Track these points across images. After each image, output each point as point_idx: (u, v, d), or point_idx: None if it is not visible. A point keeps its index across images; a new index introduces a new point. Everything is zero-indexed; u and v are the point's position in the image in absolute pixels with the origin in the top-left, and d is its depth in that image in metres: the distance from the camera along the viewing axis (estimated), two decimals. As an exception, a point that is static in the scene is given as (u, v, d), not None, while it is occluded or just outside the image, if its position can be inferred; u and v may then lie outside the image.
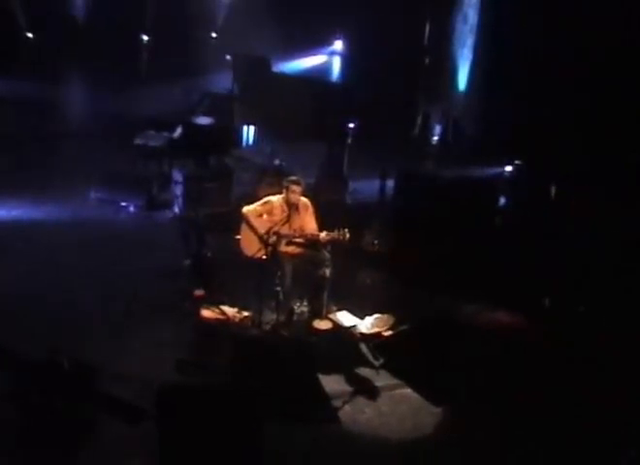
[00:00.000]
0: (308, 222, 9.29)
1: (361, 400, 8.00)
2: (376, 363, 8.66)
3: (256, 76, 15.10)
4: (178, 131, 13.80)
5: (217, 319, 9.25)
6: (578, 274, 10.53)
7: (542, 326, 9.72)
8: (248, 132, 15.37)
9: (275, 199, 9.36)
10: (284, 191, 9.26)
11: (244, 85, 15.08)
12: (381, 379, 8.40)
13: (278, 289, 9.01)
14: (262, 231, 9.05)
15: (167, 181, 13.27)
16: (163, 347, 8.61)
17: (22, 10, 22.51)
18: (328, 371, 8.34)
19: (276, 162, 13.41)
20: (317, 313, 9.39)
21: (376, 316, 9.37)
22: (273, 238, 8.95)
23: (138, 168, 13.80)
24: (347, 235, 8.87)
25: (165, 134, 13.90)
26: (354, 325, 9.36)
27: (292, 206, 9.14)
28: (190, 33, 23.04)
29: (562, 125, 13.23)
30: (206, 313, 9.29)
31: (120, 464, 6.84)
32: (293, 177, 9.42)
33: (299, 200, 9.24)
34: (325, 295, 9.34)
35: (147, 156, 13.84)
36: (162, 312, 9.39)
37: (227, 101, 15.08)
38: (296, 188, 9.20)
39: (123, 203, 12.97)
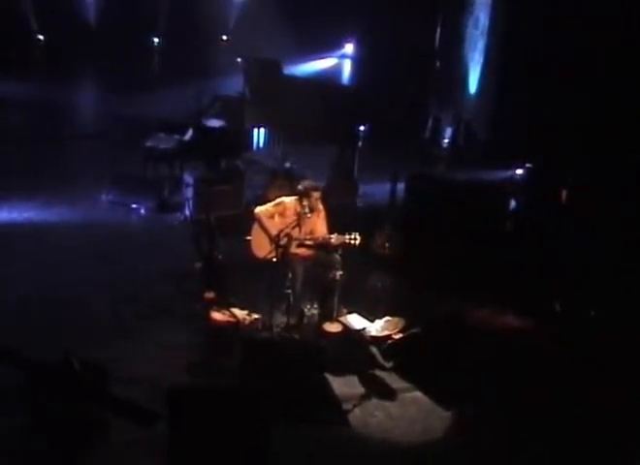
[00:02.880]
0: (320, 225, 9.29)
1: (371, 403, 7.99)
2: (386, 366, 8.66)
3: (267, 78, 15.11)
4: (189, 133, 13.80)
5: (227, 321, 9.25)
6: (588, 277, 10.51)
7: (552, 330, 9.72)
8: (259, 134, 15.37)
9: (289, 200, 9.34)
10: (305, 198, 9.17)
11: (255, 88, 15.09)
12: (391, 382, 8.39)
13: (289, 291, 9.02)
14: (273, 232, 9.06)
15: (178, 184, 13.26)
16: (173, 349, 8.62)
17: (34, 12, 22.65)
18: (338, 374, 8.35)
19: (287, 165, 13.40)
20: (327, 316, 9.39)
21: (386, 319, 9.37)
22: (285, 240, 8.96)
23: (149, 170, 13.81)
24: (358, 239, 8.87)
25: (176, 136, 13.88)
26: (364, 328, 9.35)
27: (308, 209, 9.10)
28: (201, 36, 23.16)
29: (574, 128, 13.22)
30: (216, 315, 9.30)
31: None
32: (311, 183, 9.40)
33: (318, 204, 9.26)
34: (335, 298, 9.34)
35: (158, 158, 13.84)
36: (172, 314, 9.42)
37: (238, 103, 15.09)
38: (317, 194, 9.21)
39: (134, 206, 12.98)
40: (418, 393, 8.20)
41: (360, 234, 8.89)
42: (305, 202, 9.11)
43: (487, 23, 17.12)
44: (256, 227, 9.39)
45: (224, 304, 9.41)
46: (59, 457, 6.85)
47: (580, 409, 8.09)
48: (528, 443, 7.58)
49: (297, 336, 9.08)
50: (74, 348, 7.44)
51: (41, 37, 23.15)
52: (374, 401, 8.03)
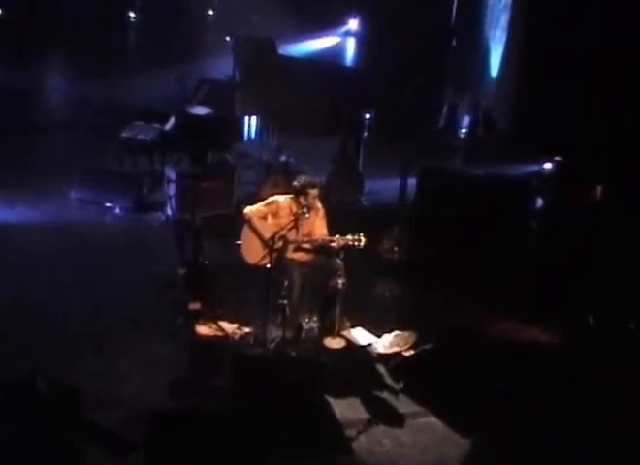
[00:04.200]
0: (319, 226, 9.34)
1: (378, 429, 8.01)
2: (396, 387, 8.69)
3: (260, 59, 15.14)
4: (171, 122, 13.84)
5: (215, 336, 9.29)
6: (626, 286, 10.50)
7: (584, 346, 9.71)
8: (251, 124, 15.40)
9: (282, 199, 9.40)
10: (301, 195, 9.26)
11: (247, 70, 15.12)
12: (401, 405, 8.41)
13: (285, 302, 9.05)
14: (267, 235, 9.09)
15: (158, 179, 13.30)
16: (153, 367, 8.65)
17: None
18: (340, 396, 8.37)
19: (283, 158, 13.44)
20: (329, 329, 9.42)
21: (396, 333, 9.40)
22: (279, 244, 8.99)
23: (125, 164, 13.84)
24: (363, 241, 8.91)
25: (156, 125, 13.94)
26: (370, 344, 9.40)
27: (306, 209, 9.14)
28: (185, 11, 23.15)
29: (611, 116, 13.21)
30: (202, 329, 9.33)
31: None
32: (308, 179, 9.44)
33: (316, 203, 9.29)
34: (337, 309, 9.36)
35: (136, 151, 13.88)
36: (153, 327, 9.43)
37: (227, 88, 15.13)
38: (315, 192, 9.25)
39: (108, 205, 12.98)
40: (431, 418, 8.22)
41: (365, 236, 8.93)
42: (303, 201, 9.16)
43: (510, -4, 17.19)
44: (246, 229, 9.43)
45: (211, 316, 9.44)
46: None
47: (619, 437, 8.07)
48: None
49: (293, 353, 9.10)
50: (40, 365, 7.47)
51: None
52: (382, 427, 8.05)
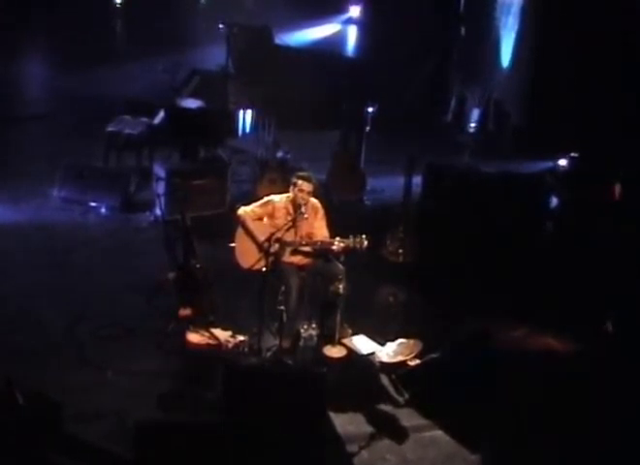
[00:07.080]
0: (318, 227, 9.34)
1: (381, 444, 8.00)
2: (400, 399, 8.68)
3: (255, 49, 15.16)
4: (161, 116, 13.84)
5: (207, 344, 9.28)
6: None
7: (602, 354, 9.70)
8: (245, 117, 15.40)
9: (278, 198, 9.42)
10: (291, 189, 9.31)
11: (241, 61, 15.14)
12: (406, 418, 8.41)
13: (282, 308, 9.03)
14: (262, 237, 9.09)
15: (146, 177, 13.30)
16: (141, 377, 8.65)
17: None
18: (342, 408, 8.37)
19: (280, 154, 13.45)
20: (329, 337, 9.42)
21: (400, 341, 9.40)
22: (276, 247, 8.99)
23: (111, 160, 13.83)
24: (365, 243, 8.91)
25: (144, 119, 13.93)
26: (373, 353, 9.39)
27: (299, 208, 9.15)
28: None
29: (632, 109, 13.20)
30: (193, 337, 9.32)
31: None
32: (302, 173, 9.47)
33: (308, 200, 9.28)
34: (338, 316, 9.36)
35: (123, 146, 13.87)
36: (140, 335, 9.43)
37: (220, 80, 15.14)
38: (305, 186, 9.24)
39: (93, 204, 12.98)
40: (438, 432, 8.21)
41: (367, 238, 8.93)
42: (301, 201, 9.17)
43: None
44: (240, 232, 9.43)
45: (203, 323, 9.44)
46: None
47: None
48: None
49: (291, 362, 9.11)
50: (18, 376, 7.46)
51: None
52: (385, 442, 8.04)
